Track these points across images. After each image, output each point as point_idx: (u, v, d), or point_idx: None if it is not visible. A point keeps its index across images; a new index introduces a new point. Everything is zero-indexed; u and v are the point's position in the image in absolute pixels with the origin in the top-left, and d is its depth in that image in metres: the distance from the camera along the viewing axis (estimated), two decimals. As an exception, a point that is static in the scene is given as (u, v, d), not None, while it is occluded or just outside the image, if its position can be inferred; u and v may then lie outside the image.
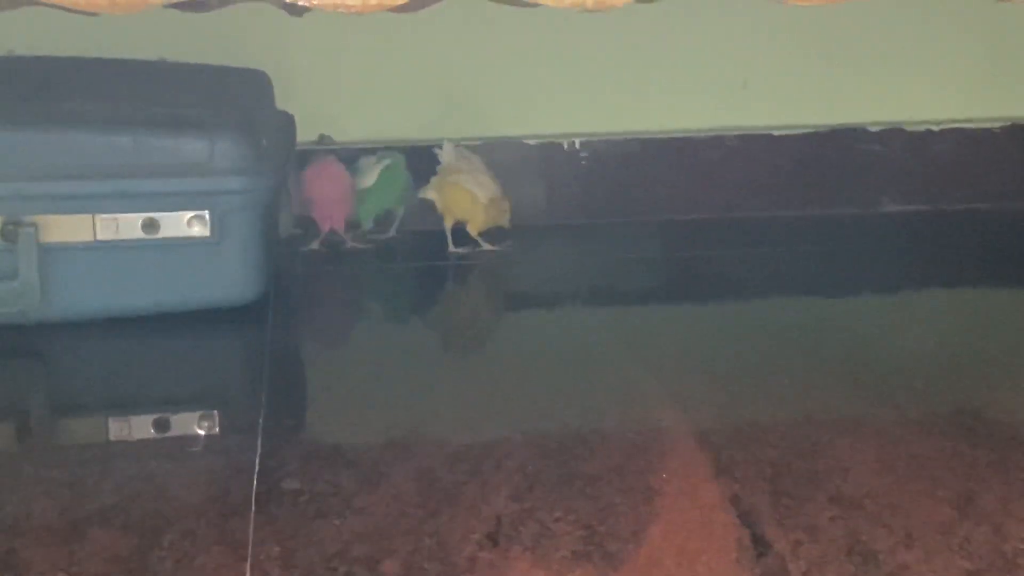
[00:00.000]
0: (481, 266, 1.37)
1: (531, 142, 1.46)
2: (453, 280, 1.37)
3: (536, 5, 1.03)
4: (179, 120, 1.15)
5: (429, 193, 1.37)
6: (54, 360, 1.14)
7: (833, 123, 1.51)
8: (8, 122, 1.12)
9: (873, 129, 1.51)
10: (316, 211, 1.37)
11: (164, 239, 1.14)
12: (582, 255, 1.41)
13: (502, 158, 1.43)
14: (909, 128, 1.51)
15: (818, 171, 1.51)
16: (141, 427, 1.02)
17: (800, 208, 1.51)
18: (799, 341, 1.18)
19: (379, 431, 0.98)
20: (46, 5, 0.99)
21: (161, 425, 1.02)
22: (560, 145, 1.47)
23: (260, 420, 0.99)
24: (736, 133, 1.49)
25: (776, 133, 1.50)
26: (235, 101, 1.23)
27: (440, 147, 1.37)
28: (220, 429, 1.01)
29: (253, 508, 0.86)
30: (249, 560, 0.80)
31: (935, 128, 1.52)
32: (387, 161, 1.38)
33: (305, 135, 1.38)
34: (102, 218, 1.13)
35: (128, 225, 1.13)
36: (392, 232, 1.42)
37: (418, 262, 1.38)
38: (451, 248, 1.38)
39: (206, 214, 1.14)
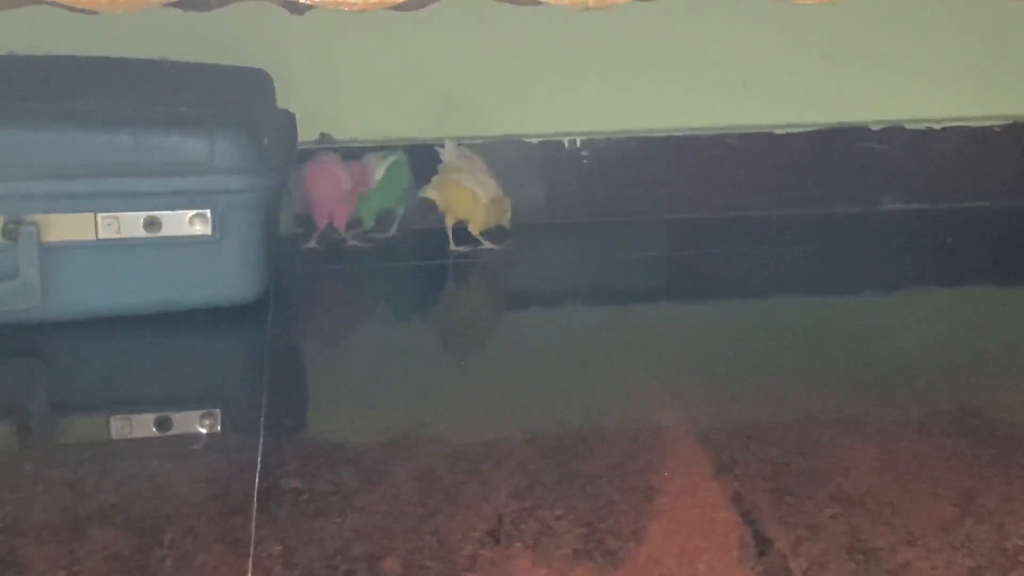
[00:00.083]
0: (482, 265, 1.37)
1: (532, 141, 1.47)
2: (454, 279, 1.37)
3: (537, 4, 1.03)
4: (180, 119, 1.15)
5: (430, 192, 1.37)
6: (55, 359, 1.14)
7: (834, 122, 1.51)
8: (9, 121, 1.12)
9: (874, 128, 1.51)
10: (314, 209, 1.37)
11: (165, 238, 1.14)
12: (583, 254, 1.41)
13: (503, 157, 1.43)
14: (910, 127, 1.51)
15: (819, 170, 1.51)
16: (142, 426, 1.02)
17: (801, 207, 1.51)
18: (800, 340, 1.18)
19: (380, 430, 0.98)
20: (48, 4, 0.99)
21: (162, 424, 1.02)
22: (561, 144, 1.47)
23: (261, 419, 0.99)
24: (737, 132, 1.49)
25: (777, 132, 1.50)
26: (236, 100, 1.23)
27: (442, 146, 1.37)
28: (221, 428, 1.00)
29: (255, 507, 0.86)
30: (251, 558, 0.80)
31: (936, 127, 1.52)
32: (392, 157, 1.38)
33: (306, 134, 1.38)
34: (104, 217, 1.13)
35: (130, 224, 1.13)
36: (393, 231, 1.42)
37: (419, 261, 1.38)
38: (452, 247, 1.38)
39: (207, 213, 1.14)
